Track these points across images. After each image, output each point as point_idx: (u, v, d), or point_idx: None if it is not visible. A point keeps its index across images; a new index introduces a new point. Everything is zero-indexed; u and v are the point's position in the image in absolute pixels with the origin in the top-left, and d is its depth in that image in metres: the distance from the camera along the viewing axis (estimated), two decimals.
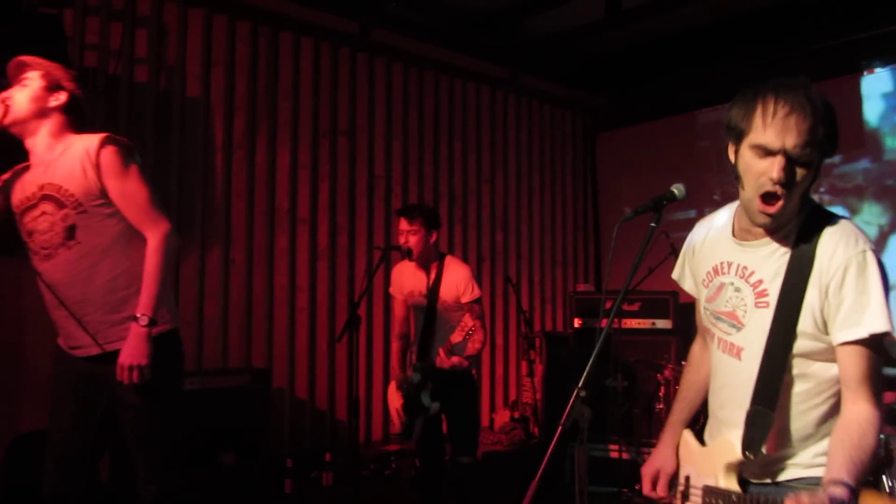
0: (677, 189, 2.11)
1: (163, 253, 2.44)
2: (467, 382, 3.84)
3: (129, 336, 2.35)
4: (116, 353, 2.36)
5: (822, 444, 1.68)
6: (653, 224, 2.09)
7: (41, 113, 2.47)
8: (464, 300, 3.68)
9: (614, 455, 4.99)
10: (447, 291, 3.69)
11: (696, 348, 2.12)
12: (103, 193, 2.43)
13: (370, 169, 5.37)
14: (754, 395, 1.70)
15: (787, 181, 1.58)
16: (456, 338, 3.43)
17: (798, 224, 1.68)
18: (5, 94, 2.47)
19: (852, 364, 1.61)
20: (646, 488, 2.00)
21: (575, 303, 5.96)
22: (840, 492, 1.46)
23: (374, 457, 4.71)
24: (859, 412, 1.60)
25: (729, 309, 1.80)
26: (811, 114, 1.57)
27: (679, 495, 1.94)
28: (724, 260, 1.84)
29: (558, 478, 5.00)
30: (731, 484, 1.73)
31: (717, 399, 1.88)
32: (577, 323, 5.83)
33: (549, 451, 2.01)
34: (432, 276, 3.74)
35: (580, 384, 1.90)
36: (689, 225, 6.79)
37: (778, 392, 1.67)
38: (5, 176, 2.57)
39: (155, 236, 2.45)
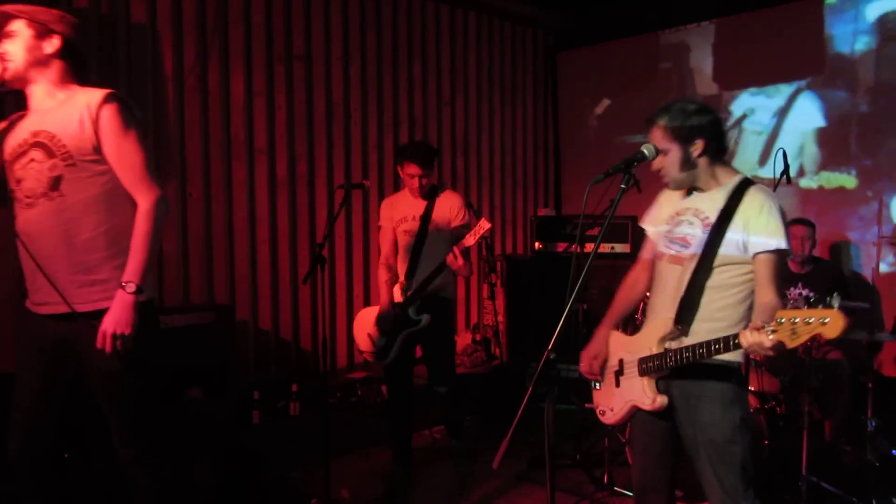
0: (647, 149, 2.40)
1: (153, 219, 2.38)
2: (448, 310, 4.11)
3: (115, 303, 2.30)
4: (85, 314, 2.33)
5: (724, 325, 2.35)
6: (623, 186, 2.38)
7: (38, 62, 2.38)
8: (454, 224, 3.99)
9: (574, 375, 5.17)
10: (440, 215, 3.98)
11: (633, 273, 2.75)
12: (97, 150, 2.36)
13: (328, 95, 5.23)
14: (687, 287, 2.39)
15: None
16: (469, 241, 3.80)
17: (732, 187, 2.41)
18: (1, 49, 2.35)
19: (763, 268, 2.31)
20: (583, 368, 2.70)
21: (536, 226, 6.02)
22: (759, 323, 2.09)
23: (340, 385, 4.80)
24: (768, 301, 2.27)
25: (681, 235, 2.45)
26: (673, 139, 2.41)
27: (613, 374, 2.61)
28: (684, 207, 2.50)
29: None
30: (660, 350, 2.40)
31: (659, 298, 2.51)
32: (537, 246, 5.93)
33: (519, 413, 2.15)
34: (426, 202, 4.01)
35: (550, 346, 2.09)
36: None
37: (703, 285, 2.37)
38: (2, 125, 2.47)
39: (146, 201, 2.39)
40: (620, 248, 5.55)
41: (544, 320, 5.52)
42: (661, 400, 2.43)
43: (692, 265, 2.39)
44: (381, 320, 4.03)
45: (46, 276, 2.35)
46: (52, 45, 2.39)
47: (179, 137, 4.51)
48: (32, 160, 2.37)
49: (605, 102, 6.70)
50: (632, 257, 5.43)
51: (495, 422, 4.51)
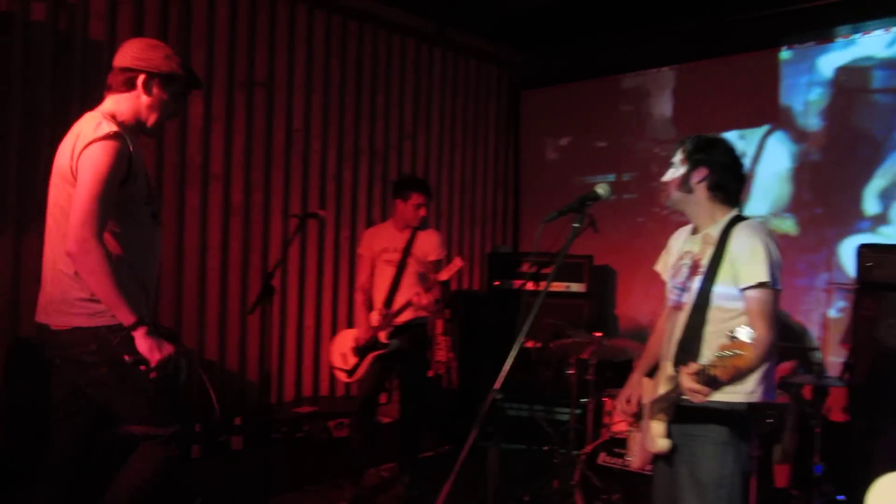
0: (602, 188, 2.44)
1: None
2: (420, 336, 4.38)
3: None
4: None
5: None
6: (576, 224, 2.43)
7: None
8: (430, 258, 4.28)
9: (524, 415, 5.12)
10: (420, 249, 4.27)
11: (660, 319, 2.74)
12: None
13: (288, 123, 5.18)
14: (684, 330, 2.42)
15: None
16: (442, 276, 4.11)
17: (724, 225, 2.44)
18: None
19: (751, 304, 2.32)
20: (619, 409, 2.71)
21: (491, 263, 6.00)
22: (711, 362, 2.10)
23: (285, 420, 4.67)
24: (757, 335, 2.16)
25: (682, 280, 2.50)
26: (684, 160, 2.52)
27: (635, 417, 2.65)
28: (684, 250, 2.57)
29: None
30: (664, 392, 2.40)
31: (666, 343, 2.55)
32: (494, 283, 5.90)
33: (462, 455, 2.09)
34: (408, 235, 4.30)
35: (496, 386, 2.08)
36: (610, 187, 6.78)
37: (698, 328, 2.38)
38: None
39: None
40: (576, 287, 5.55)
41: (498, 358, 5.51)
42: (663, 443, 2.42)
43: (688, 309, 2.44)
44: (358, 342, 4.26)
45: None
46: None
47: None
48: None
49: (566, 141, 6.77)
50: (588, 296, 5.51)
51: (447, 459, 4.44)
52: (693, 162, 2.47)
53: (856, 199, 5.01)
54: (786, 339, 4.59)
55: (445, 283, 4.29)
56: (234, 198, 4.86)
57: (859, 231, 4.98)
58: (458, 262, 4.13)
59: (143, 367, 2.29)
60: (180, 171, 4.61)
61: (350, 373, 4.28)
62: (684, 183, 2.48)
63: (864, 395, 4.13)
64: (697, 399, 2.12)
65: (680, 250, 2.60)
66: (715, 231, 2.45)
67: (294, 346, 5.19)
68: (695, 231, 2.57)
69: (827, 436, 3.90)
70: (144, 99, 2.48)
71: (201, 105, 4.69)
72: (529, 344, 5.05)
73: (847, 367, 4.19)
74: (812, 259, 5.16)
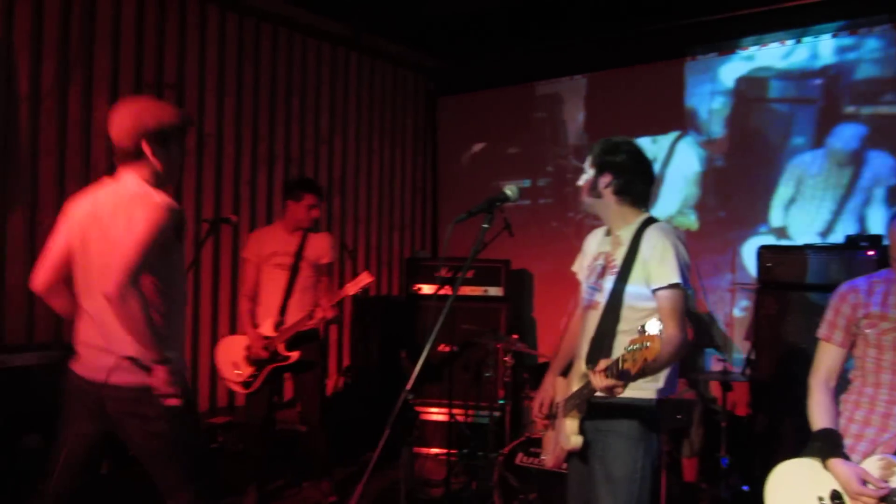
0: (510, 190, 2.46)
1: None
2: (316, 346, 4.25)
3: None
4: None
5: None
6: (485, 225, 2.40)
7: None
8: (323, 261, 4.22)
9: (444, 419, 5.14)
10: (312, 252, 4.19)
11: (573, 321, 2.79)
12: None
13: (200, 126, 5.05)
14: (597, 329, 2.46)
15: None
16: (349, 290, 4.01)
17: (636, 227, 2.49)
18: None
19: (662, 303, 2.37)
20: (534, 412, 2.73)
21: (411, 268, 6.00)
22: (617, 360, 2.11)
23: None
24: (668, 333, 2.29)
25: (595, 280, 2.55)
26: (592, 165, 2.55)
27: (552, 421, 2.67)
28: (599, 251, 2.63)
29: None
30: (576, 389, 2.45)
31: (580, 342, 2.57)
32: (412, 288, 5.89)
33: (375, 455, 2.07)
34: (300, 238, 4.19)
35: (408, 386, 2.06)
36: (524, 195, 6.98)
37: (611, 327, 2.42)
38: None
39: None
40: (494, 291, 5.60)
41: (416, 362, 5.51)
42: (577, 440, 2.45)
43: (601, 308, 2.48)
44: (252, 352, 4.08)
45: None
46: None
47: (31, 163, 4.22)
48: None
49: (483, 147, 6.85)
50: (505, 300, 5.58)
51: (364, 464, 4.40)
52: (599, 167, 2.51)
53: (757, 203, 5.26)
54: (701, 338, 4.78)
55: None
56: None
57: (760, 233, 5.22)
58: (365, 277, 4.02)
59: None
60: (84, 175, 4.42)
61: (247, 385, 4.11)
62: (593, 188, 2.53)
63: (766, 390, 4.32)
64: (610, 394, 2.16)
65: (595, 251, 2.65)
66: (626, 233, 2.50)
67: (208, 354, 5.04)
68: (609, 232, 2.62)
69: (732, 430, 4.07)
70: (157, 161, 2.56)
71: (107, 107, 4.50)
72: (447, 348, 5.08)
73: (749, 362, 4.37)
74: (717, 260, 5.37)
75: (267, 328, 4.09)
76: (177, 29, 4.89)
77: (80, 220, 2.65)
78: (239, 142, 5.31)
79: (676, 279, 2.35)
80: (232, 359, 4.15)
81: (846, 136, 4.94)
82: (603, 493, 2.40)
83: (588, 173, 2.56)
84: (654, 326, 2.00)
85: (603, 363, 2.15)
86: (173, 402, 2.45)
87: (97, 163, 4.48)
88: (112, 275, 2.34)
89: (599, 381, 2.15)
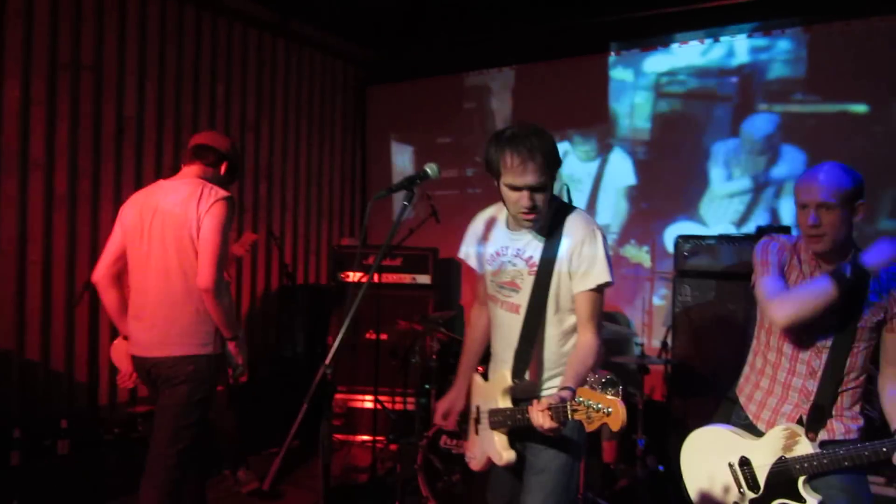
0: (430, 168, 2.38)
1: None
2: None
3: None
4: None
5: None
6: (405, 203, 2.32)
7: None
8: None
9: (371, 406, 5.15)
10: None
11: (475, 313, 2.67)
12: None
13: (119, 109, 4.91)
14: (520, 337, 2.32)
15: (532, 205, 2.24)
16: (237, 250, 3.95)
17: (549, 217, 2.33)
18: None
19: (584, 306, 2.27)
20: (437, 419, 2.61)
21: (337, 257, 5.98)
22: (566, 394, 2.03)
23: (118, 420, 4.43)
24: (586, 340, 2.25)
25: (509, 279, 2.38)
26: (538, 156, 2.18)
27: (473, 422, 2.53)
28: (503, 245, 2.42)
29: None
30: (506, 403, 2.32)
31: (499, 345, 2.45)
32: (339, 276, 5.87)
33: (293, 429, 2.07)
34: None
35: (327, 361, 2.06)
36: (452, 184, 7.02)
37: (536, 333, 2.31)
38: None
39: None
40: (422, 279, 5.64)
41: (344, 350, 5.50)
42: (508, 456, 2.34)
43: (523, 313, 2.33)
44: None
45: None
46: None
47: None
48: None
49: (412, 137, 6.87)
50: (433, 288, 5.62)
51: (297, 454, 4.38)
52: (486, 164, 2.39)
53: (676, 195, 5.44)
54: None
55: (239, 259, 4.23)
56: (59, 186, 4.54)
57: (679, 223, 5.41)
58: (250, 236, 4.05)
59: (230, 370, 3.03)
60: None
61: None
62: (498, 188, 2.37)
63: (681, 373, 4.49)
64: (546, 433, 2.06)
65: (498, 244, 2.44)
66: (540, 224, 2.34)
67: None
68: (510, 221, 2.42)
69: (649, 412, 4.21)
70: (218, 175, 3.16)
71: (19, 87, 4.35)
72: (374, 336, 5.08)
73: (665, 346, 4.52)
74: (638, 250, 5.54)
75: None
76: (93, 8, 4.73)
77: (137, 218, 2.99)
78: (161, 127, 5.18)
79: (608, 278, 2.26)
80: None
81: (759, 125, 5.16)
82: (533, 483, 2.32)
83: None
84: (616, 388, 1.92)
85: (545, 401, 2.03)
86: (242, 359, 2.99)
87: (8, 143, 4.30)
88: (205, 272, 2.80)
89: (541, 420, 2.02)
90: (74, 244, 4.63)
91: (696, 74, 5.44)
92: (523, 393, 2.31)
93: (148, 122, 5.09)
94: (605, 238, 2.33)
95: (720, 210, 5.27)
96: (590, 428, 1.94)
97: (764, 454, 2.37)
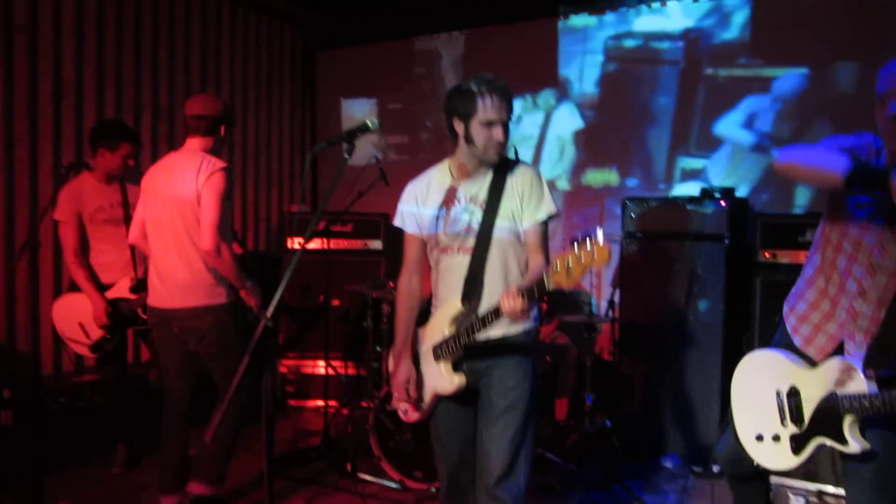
0: (370, 121, 2.39)
1: None
2: None
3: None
4: None
5: None
6: (346, 156, 2.32)
7: None
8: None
9: (323, 371, 5.15)
10: (136, 198, 3.62)
11: (404, 281, 2.64)
12: None
13: (56, 73, 4.75)
14: (469, 268, 2.42)
15: (506, 137, 2.43)
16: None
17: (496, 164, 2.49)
18: None
19: (535, 238, 2.45)
20: (401, 396, 2.55)
21: (287, 223, 5.92)
22: (525, 284, 2.20)
23: (64, 389, 4.35)
24: (539, 262, 2.41)
25: (465, 225, 2.45)
26: (508, 95, 2.43)
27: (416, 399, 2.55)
28: (453, 197, 2.50)
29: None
30: (452, 331, 2.41)
31: (447, 290, 2.49)
32: (290, 243, 5.83)
33: (235, 382, 2.08)
34: (119, 188, 3.93)
35: (267, 312, 2.06)
36: (404, 149, 7.00)
37: (485, 266, 2.41)
38: None
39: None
40: (374, 244, 5.62)
41: (294, 316, 5.48)
42: (459, 380, 2.41)
43: (471, 248, 2.43)
44: (95, 317, 3.84)
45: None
46: None
47: None
48: None
49: (362, 103, 6.80)
50: (384, 253, 5.61)
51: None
52: (447, 114, 2.49)
53: (626, 158, 5.50)
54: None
55: None
56: None
57: (627, 187, 5.48)
58: None
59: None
60: None
61: (95, 347, 3.88)
62: (453, 135, 2.48)
63: (628, 332, 4.57)
64: (516, 318, 2.23)
65: (448, 196, 2.51)
66: (484, 173, 2.48)
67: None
68: (459, 172, 2.52)
69: (597, 370, 4.29)
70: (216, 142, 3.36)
71: None
72: (325, 300, 5.07)
73: (612, 304, 4.60)
74: (587, 213, 5.60)
75: (123, 289, 3.86)
76: None
77: (152, 187, 3.32)
78: (101, 91, 5.04)
79: (553, 210, 2.45)
80: (79, 319, 3.86)
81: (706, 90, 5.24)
82: (501, 423, 2.38)
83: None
84: (601, 235, 1.98)
85: (514, 287, 2.18)
86: (254, 301, 3.38)
87: None
88: (205, 235, 3.13)
89: (513, 302, 2.13)
90: (12, 212, 4.50)
91: (644, 39, 5.47)
92: (468, 321, 2.37)
93: (87, 86, 4.94)
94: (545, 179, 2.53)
95: (669, 172, 5.35)
96: (571, 281, 2.01)
97: (815, 387, 2.19)
